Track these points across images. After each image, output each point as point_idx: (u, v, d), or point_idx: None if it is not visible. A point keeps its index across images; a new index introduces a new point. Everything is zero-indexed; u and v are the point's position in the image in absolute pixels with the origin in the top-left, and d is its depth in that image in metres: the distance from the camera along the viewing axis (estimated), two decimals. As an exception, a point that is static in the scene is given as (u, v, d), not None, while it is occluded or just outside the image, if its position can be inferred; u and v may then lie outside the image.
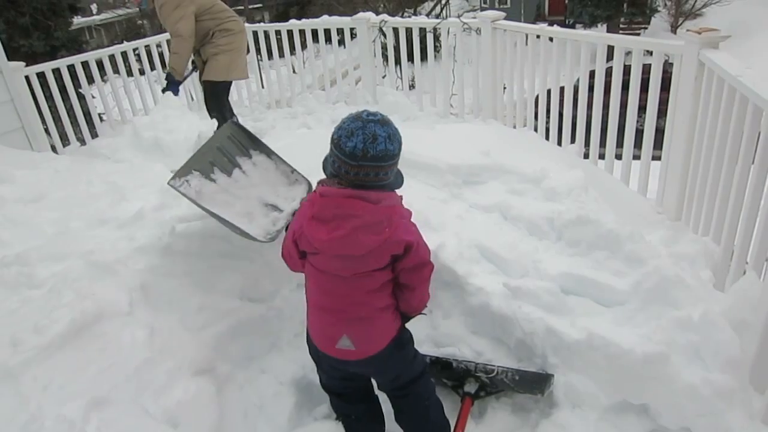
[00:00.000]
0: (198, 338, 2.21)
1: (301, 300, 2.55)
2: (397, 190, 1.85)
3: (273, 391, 2.36)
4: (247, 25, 6.77)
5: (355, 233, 1.69)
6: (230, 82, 5.19)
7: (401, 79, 6.10)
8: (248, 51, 5.34)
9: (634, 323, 2.23)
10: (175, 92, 5.03)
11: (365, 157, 1.64)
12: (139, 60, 6.50)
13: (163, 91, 5.08)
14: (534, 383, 2.29)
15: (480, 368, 2.37)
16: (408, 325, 2.07)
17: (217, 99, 5.19)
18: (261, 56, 6.62)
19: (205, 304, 2.34)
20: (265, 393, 2.34)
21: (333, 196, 1.72)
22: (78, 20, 18.98)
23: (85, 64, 5.83)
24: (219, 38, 4.90)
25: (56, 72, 5.54)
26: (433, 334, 2.57)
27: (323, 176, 1.84)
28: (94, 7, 34.22)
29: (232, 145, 2.52)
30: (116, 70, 6.19)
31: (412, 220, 1.85)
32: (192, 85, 6.56)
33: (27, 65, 5.25)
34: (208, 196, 2.30)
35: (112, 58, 6.10)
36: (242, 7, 27.78)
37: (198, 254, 2.45)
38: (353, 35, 6.13)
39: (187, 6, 4.69)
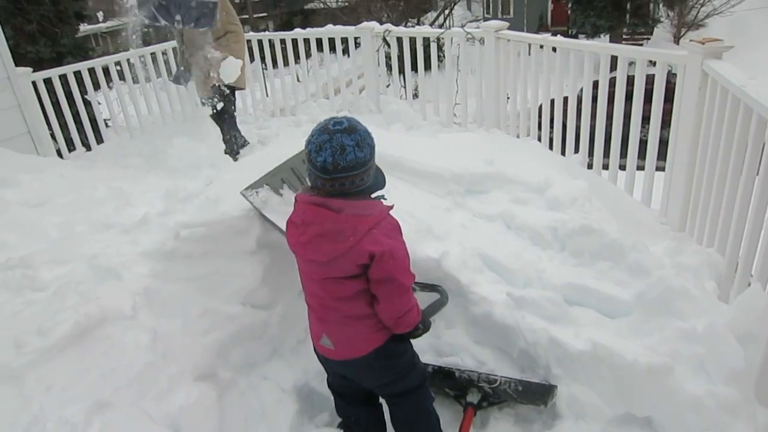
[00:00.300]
0: (200, 343, 2.21)
1: (303, 307, 2.55)
2: (386, 200, 1.86)
3: (274, 398, 2.35)
4: (252, 33, 6.82)
5: (317, 240, 1.73)
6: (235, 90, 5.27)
7: (405, 88, 6.11)
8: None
9: (638, 334, 2.22)
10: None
11: (336, 169, 1.65)
12: (144, 66, 6.53)
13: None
14: (537, 394, 2.28)
15: (483, 378, 2.36)
16: None
17: (231, 104, 5.29)
18: (265, 65, 6.64)
19: (207, 309, 2.34)
20: (266, 400, 2.34)
21: (302, 202, 1.79)
22: (84, 27, 19.08)
23: (92, 71, 5.87)
24: (234, 41, 5.04)
25: (63, 78, 5.58)
26: (436, 343, 2.57)
27: None
28: (100, 15, 34.43)
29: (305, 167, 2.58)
30: (122, 77, 6.22)
31: (394, 231, 1.80)
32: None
33: (34, 71, 5.28)
34: (272, 206, 2.43)
35: (118, 64, 6.14)
36: (247, 16, 27.96)
37: (201, 259, 2.45)
38: (357, 44, 6.16)
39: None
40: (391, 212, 1.83)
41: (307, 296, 1.97)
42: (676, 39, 22.21)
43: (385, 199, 1.88)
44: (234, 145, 5.38)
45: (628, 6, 20.90)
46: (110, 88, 6.26)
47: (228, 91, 5.21)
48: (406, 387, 2.05)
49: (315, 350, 2.06)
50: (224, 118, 5.31)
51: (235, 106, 5.46)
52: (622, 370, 2.10)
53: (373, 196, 1.83)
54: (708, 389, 1.94)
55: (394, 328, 1.90)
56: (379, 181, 1.85)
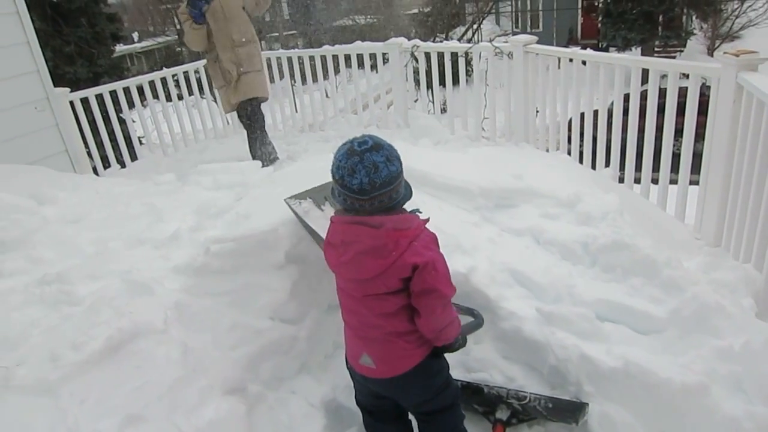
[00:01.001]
0: (230, 357, 2.23)
1: (332, 322, 2.57)
2: (421, 214, 1.88)
3: (303, 412, 2.35)
4: (281, 51, 6.94)
5: (360, 258, 1.74)
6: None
7: (433, 102, 6.13)
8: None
9: (673, 352, 2.17)
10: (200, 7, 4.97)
11: (374, 188, 1.67)
12: (177, 85, 6.70)
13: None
14: (568, 412, 2.24)
15: (512, 394, 2.33)
16: None
17: (259, 115, 5.39)
18: (295, 81, 6.75)
19: (237, 323, 2.37)
20: (295, 414, 2.34)
21: (339, 223, 1.81)
22: (120, 48, 19.69)
23: (126, 90, 6.05)
24: (255, 53, 5.13)
25: (99, 97, 5.76)
26: (464, 359, 2.54)
27: None
28: (135, 35, 35.46)
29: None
30: (155, 95, 6.38)
31: (433, 243, 1.81)
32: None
33: (71, 91, 5.46)
34: (313, 218, 2.46)
35: (151, 83, 6.31)
36: (277, 34, 28.44)
37: (232, 274, 2.48)
38: (385, 60, 6.21)
39: None
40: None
41: (346, 315, 1.97)
42: (710, 51, 21.80)
43: (420, 212, 1.90)
44: (264, 159, 5.45)
45: (660, 18, 20.63)
46: (144, 106, 6.43)
47: (251, 108, 5.29)
48: (441, 405, 2.03)
49: (351, 370, 2.05)
50: (256, 135, 5.39)
51: (263, 120, 5.53)
52: (656, 388, 2.05)
53: (409, 210, 1.85)
54: (746, 410, 1.89)
55: (435, 341, 1.90)
56: (408, 193, 1.86)
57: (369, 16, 28.26)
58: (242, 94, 5.19)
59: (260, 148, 5.42)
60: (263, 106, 5.55)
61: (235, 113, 5.67)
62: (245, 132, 5.53)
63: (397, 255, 1.70)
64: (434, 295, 1.78)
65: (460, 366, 2.52)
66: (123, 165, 6.18)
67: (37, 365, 1.92)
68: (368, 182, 1.66)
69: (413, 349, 1.89)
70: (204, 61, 6.35)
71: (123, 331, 2.01)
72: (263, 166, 5.29)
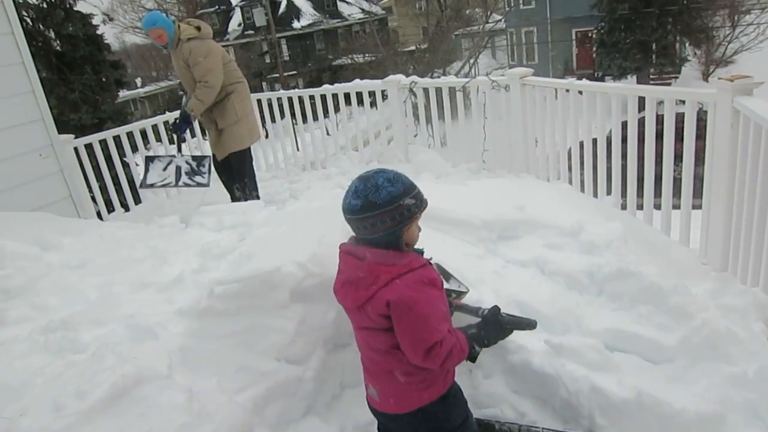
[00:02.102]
0: (235, 401, 2.19)
1: (338, 361, 2.55)
2: (423, 253, 1.86)
3: (311, 456, 2.31)
4: (282, 91, 7.04)
5: (345, 287, 1.81)
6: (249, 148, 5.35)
7: (432, 137, 6.18)
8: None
9: (686, 381, 2.14)
10: (183, 131, 5.13)
11: (365, 207, 1.71)
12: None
13: (174, 129, 5.10)
14: (582, 446, 2.19)
15: (524, 430, 2.29)
16: None
17: (246, 166, 5.36)
18: (296, 120, 6.83)
19: (242, 365, 2.34)
20: (303, 458, 2.29)
21: (341, 252, 1.90)
22: (124, 93, 20.03)
23: (130, 134, 6.12)
24: (236, 102, 5.07)
25: (102, 142, 5.82)
26: (474, 394, 2.50)
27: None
28: (138, 81, 36.13)
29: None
30: (158, 139, 6.46)
31: (421, 284, 1.71)
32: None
33: (75, 137, 5.53)
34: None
35: (154, 127, 6.38)
36: (277, 75, 28.93)
37: (236, 315, 2.46)
38: (384, 97, 6.29)
39: (216, 56, 4.87)
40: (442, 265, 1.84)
41: (358, 346, 2.00)
42: (705, 77, 22.07)
43: (422, 252, 1.87)
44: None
45: (654, 47, 20.93)
46: (147, 149, 6.50)
47: (235, 159, 5.26)
48: None
49: (367, 399, 2.05)
50: (245, 182, 5.34)
51: (251, 166, 5.49)
52: (670, 419, 2.01)
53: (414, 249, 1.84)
54: (765, 438, 1.84)
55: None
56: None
57: (367, 55, 28.76)
58: (222, 150, 5.21)
59: (251, 193, 5.38)
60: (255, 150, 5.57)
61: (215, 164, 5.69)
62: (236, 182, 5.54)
63: (375, 290, 1.69)
64: (408, 340, 1.71)
65: (469, 402, 2.45)
66: (127, 209, 6.21)
67: (40, 415, 1.89)
68: (363, 201, 1.71)
69: (413, 391, 1.82)
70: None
71: (127, 378, 1.99)
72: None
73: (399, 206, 1.72)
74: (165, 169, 5.21)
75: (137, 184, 6.27)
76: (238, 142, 5.18)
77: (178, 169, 5.20)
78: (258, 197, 5.42)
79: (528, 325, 2.02)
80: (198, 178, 5.20)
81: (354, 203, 1.73)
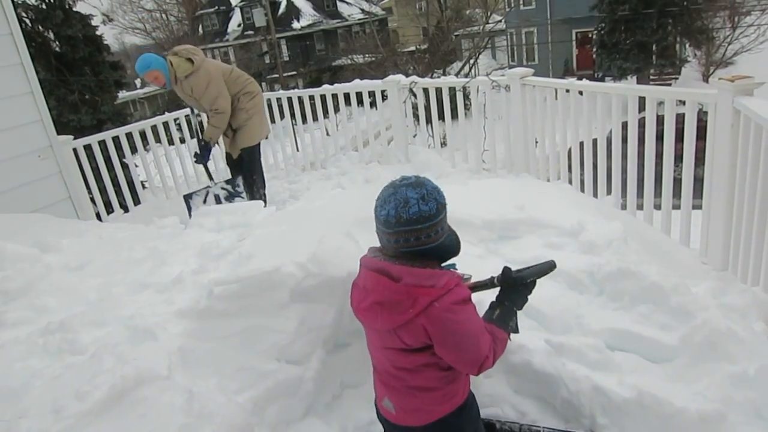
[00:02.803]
0: (235, 402, 2.18)
1: (339, 361, 2.54)
2: (457, 269, 1.79)
3: (312, 456, 2.30)
4: (281, 92, 7.04)
5: (376, 308, 1.67)
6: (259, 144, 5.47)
7: (432, 137, 6.18)
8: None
9: (686, 380, 2.13)
10: (207, 159, 5.32)
11: (399, 222, 1.60)
12: (179, 129, 6.77)
13: (198, 159, 5.38)
14: (583, 446, 2.19)
15: (525, 430, 2.29)
16: None
17: (257, 162, 5.48)
18: (296, 120, 6.82)
19: (242, 366, 2.33)
20: (303, 459, 2.29)
21: (365, 266, 1.76)
22: (123, 94, 20.04)
23: (129, 135, 6.12)
24: (245, 103, 5.19)
25: (102, 144, 5.82)
26: (475, 393, 2.49)
27: (363, 235, 1.84)
28: (138, 82, 36.13)
29: None
30: (158, 140, 6.45)
31: (459, 305, 1.64)
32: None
33: (75, 138, 5.53)
34: None
35: (153, 128, 6.38)
36: (277, 75, 28.94)
37: (236, 316, 2.45)
38: (384, 97, 6.28)
39: (217, 81, 4.99)
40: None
41: (373, 358, 1.92)
42: (705, 78, 22.06)
43: (456, 269, 1.80)
44: (264, 201, 5.48)
45: (654, 47, 20.93)
46: (147, 150, 6.49)
47: (246, 155, 5.41)
48: None
49: (376, 407, 1.99)
50: (253, 179, 5.48)
51: (260, 163, 5.62)
52: (671, 418, 2.00)
53: (444, 264, 1.75)
54: (766, 438, 1.84)
55: None
56: (453, 246, 1.77)
57: (367, 55, 28.77)
58: (235, 148, 5.42)
59: (258, 190, 5.51)
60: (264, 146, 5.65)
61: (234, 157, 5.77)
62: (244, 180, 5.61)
63: (413, 314, 1.60)
64: (461, 360, 1.69)
65: (470, 402, 2.47)
66: (126, 210, 6.21)
67: (39, 417, 1.88)
68: (394, 215, 1.59)
69: (436, 405, 1.79)
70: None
71: (127, 379, 1.98)
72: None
73: (439, 216, 1.67)
74: (204, 201, 5.33)
75: (137, 184, 6.29)
76: (249, 137, 5.31)
77: (217, 197, 5.37)
78: (264, 196, 5.48)
79: (548, 268, 1.91)
80: (238, 200, 5.34)
81: (425, 209, 1.60)
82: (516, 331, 1.86)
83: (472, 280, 2.03)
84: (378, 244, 1.76)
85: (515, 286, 1.87)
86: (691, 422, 1.94)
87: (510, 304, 1.86)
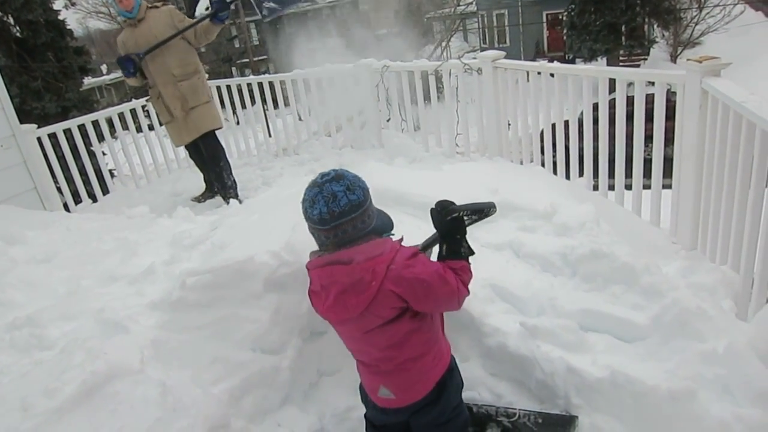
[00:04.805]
0: (211, 393, 2.16)
1: (315, 349, 2.53)
2: (394, 236, 1.83)
3: (290, 445, 2.29)
4: (252, 76, 6.92)
5: (341, 298, 1.70)
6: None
7: (406, 121, 6.16)
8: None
9: (658, 358, 2.17)
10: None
11: (333, 217, 1.65)
12: (147, 116, 6.63)
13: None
14: (558, 426, 2.22)
15: (501, 412, 2.31)
16: None
17: (220, 148, 5.33)
18: (267, 106, 6.73)
19: (217, 357, 2.30)
20: (281, 448, 2.28)
21: (314, 268, 1.78)
22: (89, 81, 19.53)
23: (96, 123, 5.97)
24: (203, 84, 5.06)
25: (67, 132, 5.67)
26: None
27: None
28: (104, 68, 35.26)
29: None
30: (126, 127, 6.31)
31: (411, 259, 1.72)
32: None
33: (39, 127, 5.37)
34: None
35: (121, 115, 6.23)
36: (248, 60, 28.48)
37: (209, 307, 2.42)
38: (356, 81, 6.23)
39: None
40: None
41: (356, 354, 1.93)
42: (673, 58, 22.36)
43: (393, 235, 1.85)
44: (235, 188, 5.38)
45: (623, 28, 21.12)
46: (114, 138, 6.35)
47: (210, 141, 5.19)
48: (454, 425, 1.96)
49: (368, 405, 2.00)
50: (221, 166, 5.28)
51: (223, 149, 5.46)
52: (643, 396, 2.04)
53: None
54: (734, 412, 1.88)
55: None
56: (386, 223, 1.82)
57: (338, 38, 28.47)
58: (195, 130, 5.06)
59: (229, 176, 5.34)
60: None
61: (187, 150, 5.60)
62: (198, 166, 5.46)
63: (377, 284, 1.65)
64: (441, 305, 1.83)
65: (446, 386, 2.49)
66: (95, 199, 6.07)
67: (7, 415, 1.83)
68: (327, 211, 1.64)
69: (429, 370, 1.86)
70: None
71: (97, 374, 1.94)
72: (233, 195, 5.23)
73: (366, 201, 1.72)
74: None
75: (105, 173, 6.14)
76: (213, 119, 5.09)
77: None
78: (235, 183, 5.35)
79: (485, 206, 1.91)
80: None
81: (353, 198, 1.66)
82: (471, 253, 1.88)
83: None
84: (315, 248, 1.79)
85: (446, 227, 1.86)
86: (663, 399, 1.98)
87: (450, 238, 1.87)
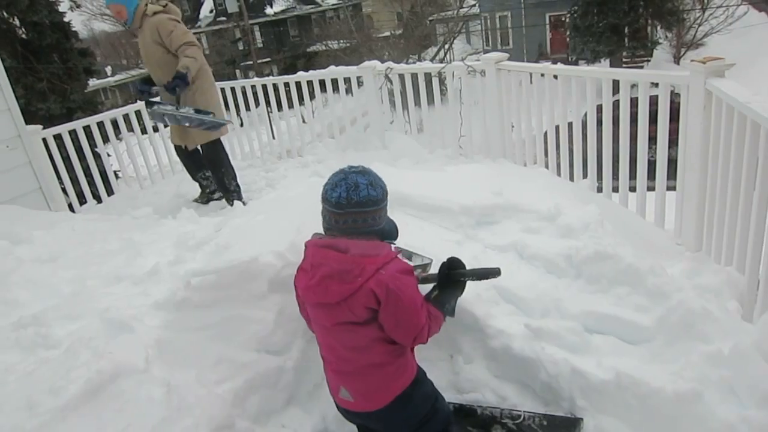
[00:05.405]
0: (215, 394, 2.17)
1: (319, 350, 2.52)
2: (394, 245, 1.90)
3: (294, 445, 2.29)
4: (256, 79, 6.94)
5: (325, 281, 1.76)
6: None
7: (409, 123, 6.16)
8: None
9: (663, 360, 2.17)
10: (182, 88, 4.61)
11: (350, 203, 1.75)
12: (152, 118, 6.64)
13: (168, 88, 4.64)
14: (563, 428, 2.22)
15: (506, 414, 2.31)
16: (425, 371, 2.02)
17: (221, 156, 5.20)
18: (271, 108, 6.74)
19: (221, 357, 2.31)
20: (286, 448, 2.28)
21: (312, 247, 1.86)
22: (94, 82, 19.60)
23: (101, 124, 5.98)
24: (212, 88, 4.96)
25: (72, 133, 5.68)
26: (455, 380, 2.51)
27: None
28: (108, 69, 35.39)
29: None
30: (130, 129, 6.32)
31: (402, 273, 1.78)
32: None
33: (44, 128, 5.38)
34: None
35: (126, 117, 6.24)
36: (251, 62, 28.55)
37: (214, 307, 2.43)
38: (360, 83, 6.23)
39: (179, 23, 4.73)
40: (404, 246, 1.85)
41: (323, 351, 1.98)
42: (677, 59, 22.32)
43: (393, 244, 1.93)
44: (239, 192, 5.33)
45: (626, 30, 21.10)
46: (119, 139, 6.36)
47: (211, 147, 5.09)
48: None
49: (335, 403, 2.04)
50: (222, 172, 5.20)
51: (226, 154, 5.34)
52: (648, 398, 2.04)
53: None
54: (740, 414, 1.88)
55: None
56: (391, 231, 1.92)
57: (341, 41, 28.52)
58: (190, 140, 5.03)
59: (231, 182, 5.26)
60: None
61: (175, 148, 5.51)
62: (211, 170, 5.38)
63: (362, 281, 1.72)
64: (400, 328, 1.81)
65: (451, 388, 2.49)
66: (99, 200, 6.08)
67: (13, 414, 1.84)
68: (345, 197, 1.74)
69: (391, 381, 1.88)
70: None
71: (102, 373, 1.95)
72: (237, 198, 5.21)
73: (383, 202, 1.83)
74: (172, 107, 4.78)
75: (110, 174, 6.14)
76: (205, 135, 4.95)
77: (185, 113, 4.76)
78: (238, 187, 5.32)
79: (489, 273, 2.02)
80: (209, 117, 4.80)
81: (373, 194, 1.77)
82: (451, 314, 1.98)
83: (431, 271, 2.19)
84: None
85: (448, 281, 1.99)
86: (668, 401, 1.97)
87: (446, 291, 1.98)
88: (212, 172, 5.26)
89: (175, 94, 4.65)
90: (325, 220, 1.83)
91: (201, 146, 5.13)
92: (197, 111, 4.79)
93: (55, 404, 1.84)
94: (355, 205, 1.75)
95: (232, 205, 5.04)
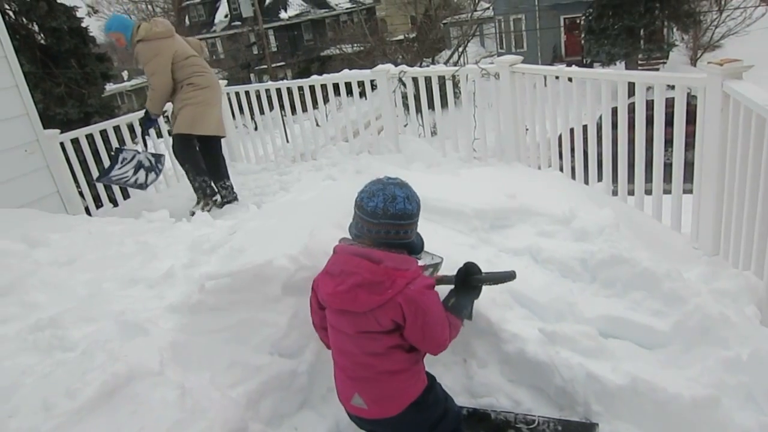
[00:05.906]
0: (229, 397, 2.17)
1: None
2: (419, 260, 1.97)
3: (307, 449, 2.29)
4: (270, 82, 6.97)
5: (355, 290, 1.78)
6: (194, 136, 5.32)
7: (423, 126, 6.15)
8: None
9: (680, 365, 2.14)
10: (149, 128, 5.52)
11: (386, 215, 1.78)
12: (167, 122, 6.70)
13: (142, 126, 5.49)
14: (578, 433, 2.19)
15: (520, 419, 2.29)
16: (439, 376, 2.02)
17: (183, 151, 5.38)
18: (285, 111, 6.77)
19: (235, 360, 2.32)
20: (299, 452, 2.28)
21: (342, 253, 1.88)
22: (110, 87, 19.85)
23: (117, 129, 6.05)
24: (185, 92, 5.15)
25: (89, 137, 5.75)
26: (469, 384, 2.50)
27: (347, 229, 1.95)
28: (125, 74, 35.78)
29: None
30: (146, 132, 6.37)
31: (428, 289, 1.83)
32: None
33: (62, 132, 5.46)
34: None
35: (142, 121, 6.29)
36: (266, 66, 28.74)
37: (228, 310, 2.44)
38: (374, 87, 6.24)
39: (161, 57, 4.98)
40: None
41: (336, 355, 1.98)
42: (693, 62, 22.14)
43: (419, 259, 1.98)
44: (203, 190, 5.40)
45: (642, 32, 20.94)
46: (135, 143, 6.42)
47: (175, 144, 5.43)
48: None
49: (346, 411, 2.03)
50: (185, 168, 5.45)
51: (191, 156, 5.44)
52: (665, 404, 2.01)
53: None
54: (759, 420, 1.86)
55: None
56: (419, 245, 1.97)
57: (355, 45, 28.60)
58: (174, 126, 5.35)
59: (195, 179, 5.40)
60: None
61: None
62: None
63: (392, 293, 1.74)
64: (428, 340, 1.84)
65: (465, 392, 2.48)
66: (115, 204, 6.15)
67: (29, 415, 1.86)
68: (382, 208, 1.78)
69: (406, 388, 1.89)
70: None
71: (118, 376, 1.96)
72: (201, 197, 5.32)
73: (416, 217, 1.89)
74: (130, 161, 5.40)
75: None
76: (177, 125, 5.24)
77: (139, 163, 5.40)
78: (204, 185, 5.40)
79: (506, 277, 2.05)
80: (151, 176, 5.42)
81: (409, 207, 1.81)
82: (469, 317, 2.01)
83: (441, 273, 2.24)
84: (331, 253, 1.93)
85: (465, 287, 2.03)
86: (685, 407, 1.95)
87: (464, 297, 2.01)
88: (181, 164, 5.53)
89: (145, 129, 5.52)
90: (357, 227, 1.86)
91: (173, 137, 5.42)
92: (153, 155, 5.51)
93: (71, 406, 1.86)
94: (391, 217, 1.78)
95: (198, 202, 5.36)
